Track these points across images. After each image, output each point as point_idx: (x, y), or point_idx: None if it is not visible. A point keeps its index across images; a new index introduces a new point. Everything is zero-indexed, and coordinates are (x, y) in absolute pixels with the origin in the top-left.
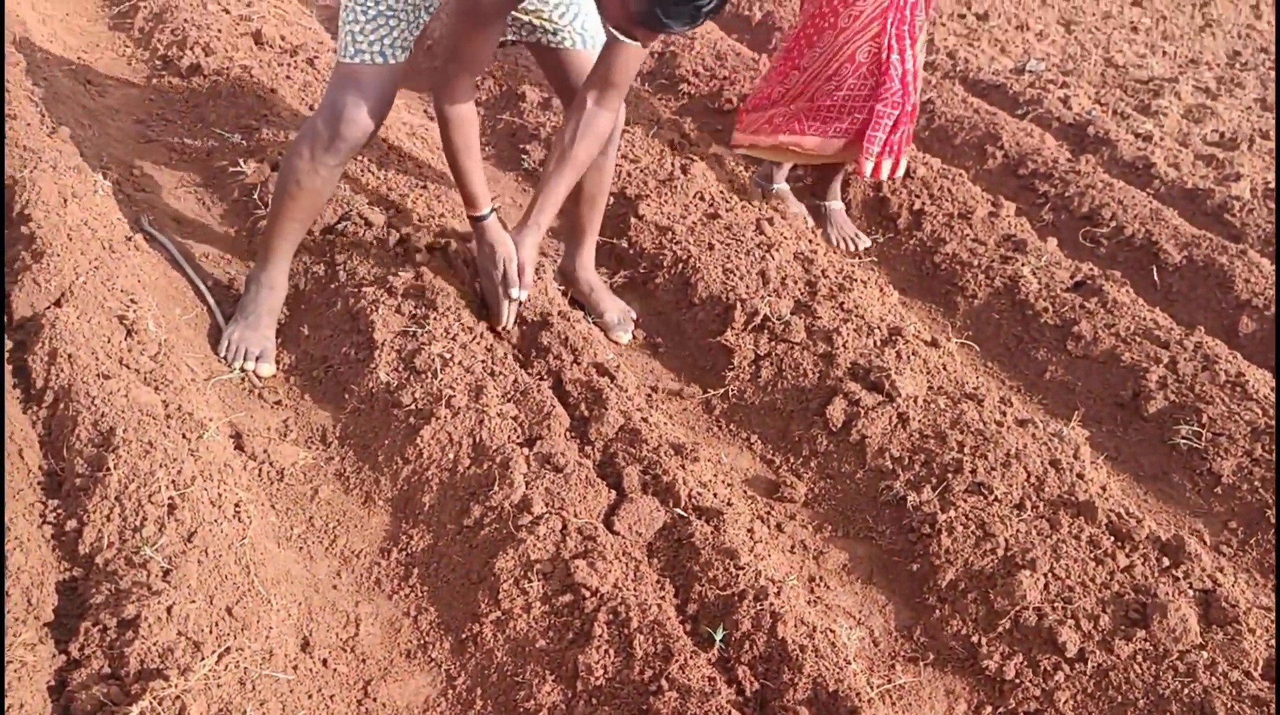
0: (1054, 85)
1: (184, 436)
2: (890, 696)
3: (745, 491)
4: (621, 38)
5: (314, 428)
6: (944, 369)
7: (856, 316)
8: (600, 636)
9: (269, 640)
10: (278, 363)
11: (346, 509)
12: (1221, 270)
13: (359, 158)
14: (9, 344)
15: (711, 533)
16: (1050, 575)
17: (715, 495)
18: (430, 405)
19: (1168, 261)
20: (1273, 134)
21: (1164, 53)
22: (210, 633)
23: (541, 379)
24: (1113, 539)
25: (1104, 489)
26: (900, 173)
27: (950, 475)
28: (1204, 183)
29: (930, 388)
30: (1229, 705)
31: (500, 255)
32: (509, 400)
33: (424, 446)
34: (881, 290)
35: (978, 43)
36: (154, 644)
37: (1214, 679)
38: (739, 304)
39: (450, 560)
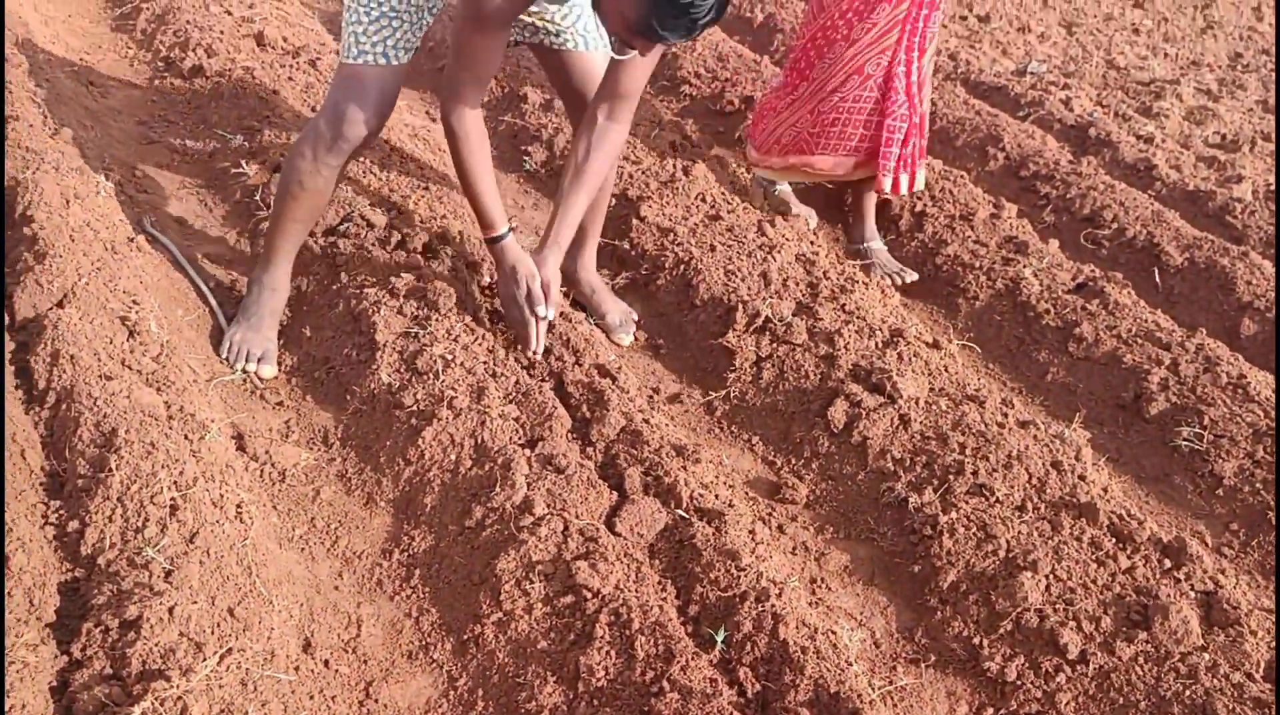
0: (1055, 87)
1: (186, 437)
2: (892, 698)
3: (747, 493)
4: (617, 55)
5: (316, 429)
6: (945, 370)
7: (858, 318)
8: (602, 638)
9: (271, 641)
10: (279, 364)
11: (348, 510)
12: (1223, 272)
13: (361, 159)
14: (11, 345)
15: (713, 534)
16: (1052, 577)
17: (717, 497)
18: (432, 406)
19: (1169, 263)
20: (1274, 136)
21: (1165, 54)
22: (212, 633)
23: (543, 380)
24: (1114, 541)
25: (1105, 491)
26: (919, 185)
27: (952, 477)
28: (1205, 185)
29: (932, 389)
30: (1230, 707)
31: (523, 274)
32: (511, 401)
33: (425, 447)
34: (883, 292)
35: (979, 44)
36: (156, 645)
37: (1215, 681)
38: (740, 305)
39: (452, 561)
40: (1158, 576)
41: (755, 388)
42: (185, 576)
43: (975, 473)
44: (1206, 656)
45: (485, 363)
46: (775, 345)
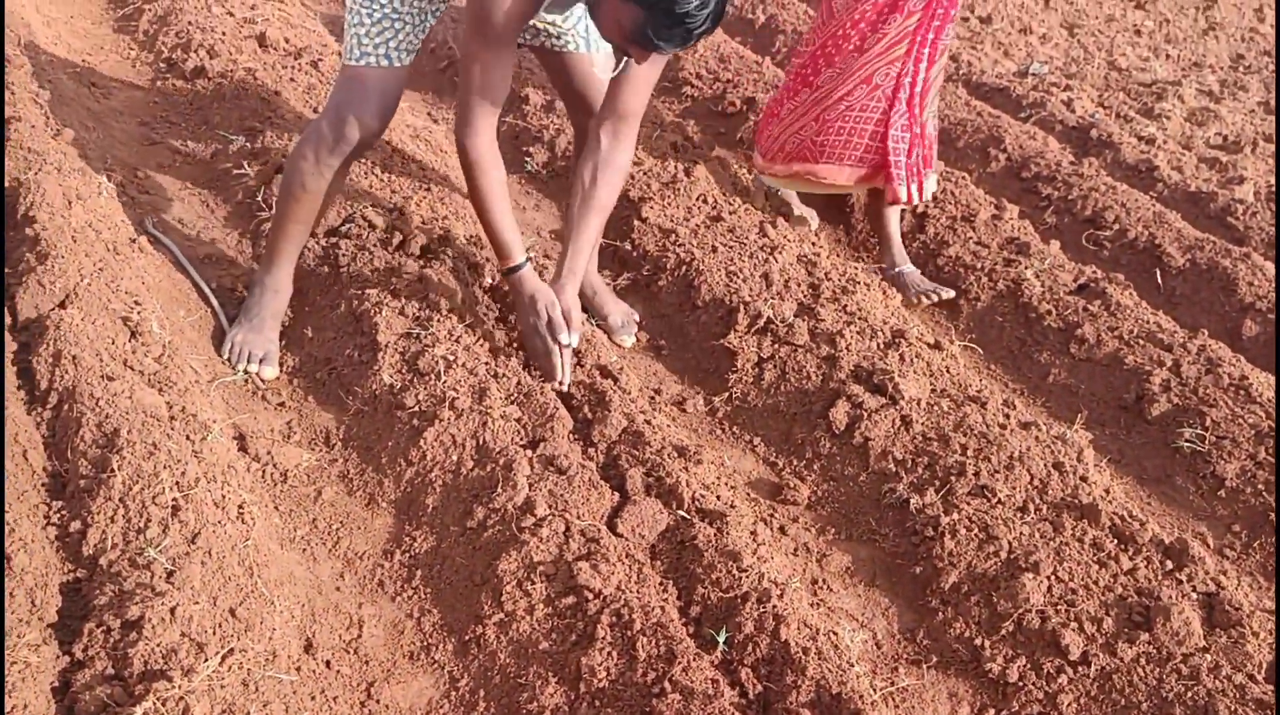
0: (1057, 88)
1: (188, 438)
2: (893, 699)
3: (748, 494)
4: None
5: (317, 430)
6: (947, 372)
7: (859, 319)
8: (603, 638)
9: (272, 641)
10: (281, 365)
11: (350, 511)
12: (1225, 273)
13: (362, 160)
14: (14, 345)
15: (714, 535)
16: (1053, 578)
17: (718, 497)
18: (434, 407)
19: (1171, 264)
20: (1275, 137)
21: (1167, 56)
22: (213, 634)
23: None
24: (1116, 542)
25: (1107, 492)
26: (929, 194)
27: (953, 478)
28: (1207, 186)
29: (933, 390)
30: (1232, 708)
31: (543, 304)
32: (512, 402)
33: (427, 448)
34: (884, 293)
35: (981, 46)
36: (157, 645)
37: (1217, 682)
38: (742, 307)
39: (453, 562)
40: (1159, 578)
41: (757, 389)
42: (187, 577)
43: (977, 474)
44: (1208, 658)
45: (487, 363)
46: (777, 346)
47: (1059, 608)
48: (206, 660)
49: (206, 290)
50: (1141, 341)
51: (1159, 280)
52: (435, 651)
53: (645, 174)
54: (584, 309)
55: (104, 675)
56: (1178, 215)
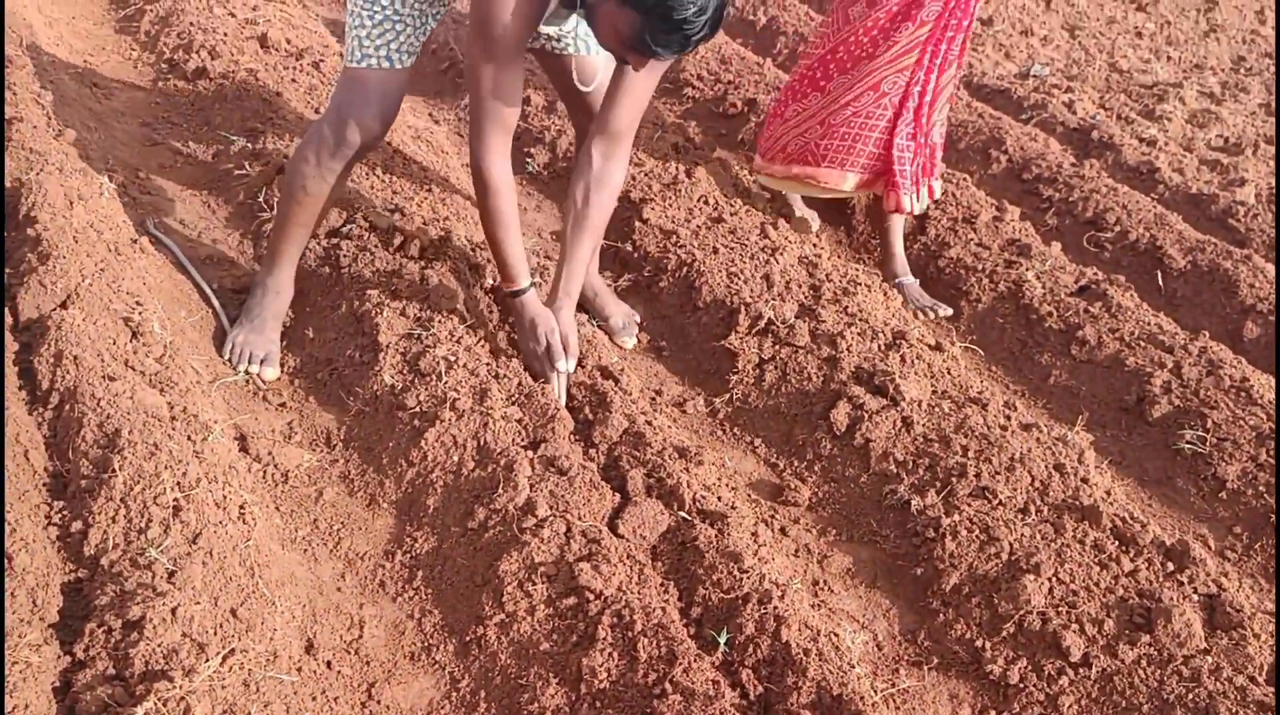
0: (1058, 90)
1: (189, 439)
2: (894, 700)
3: (749, 495)
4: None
5: (318, 430)
6: (948, 373)
7: (860, 320)
8: (604, 639)
9: (273, 642)
10: (282, 366)
11: (351, 511)
12: (1226, 275)
13: (364, 161)
14: (15, 346)
15: (715, 536)
16: (1054, 580)
17: (719, 498)
18: (435, 408)
19: (1172, 266)
20: (1276, 139)
21: (1168, 58)
22: (215, 634)
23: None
24: (1117, 543)
25: (1108, 493)
26: (933, 199)
27: (954, 479)
28: (1208, 188)
29: (934, 392)
30: (1233, 710)
31: (543, 330)
32: (513, 403)
33: (428, 449)
34: (885, 294)
35: (982, 48)
36: (158, 645)
37: (1218, 684)
38: (743, 308)
39: (454, 563)
40: (1160, 579)
41: (758, 390)
42: (188, 577)
43: (978, 475)
44: (1209, 660)
45: (488, 364)
46: (778, 347)
47: (1060, 609)
48: (207, 660)
49: (208, 291)
50: (1142, 343)
51: (1160, 282)
52: (436, 652)
53: (646, 175)
54: (585, 310)
55: (105, 675)
56: (1179, 217)
